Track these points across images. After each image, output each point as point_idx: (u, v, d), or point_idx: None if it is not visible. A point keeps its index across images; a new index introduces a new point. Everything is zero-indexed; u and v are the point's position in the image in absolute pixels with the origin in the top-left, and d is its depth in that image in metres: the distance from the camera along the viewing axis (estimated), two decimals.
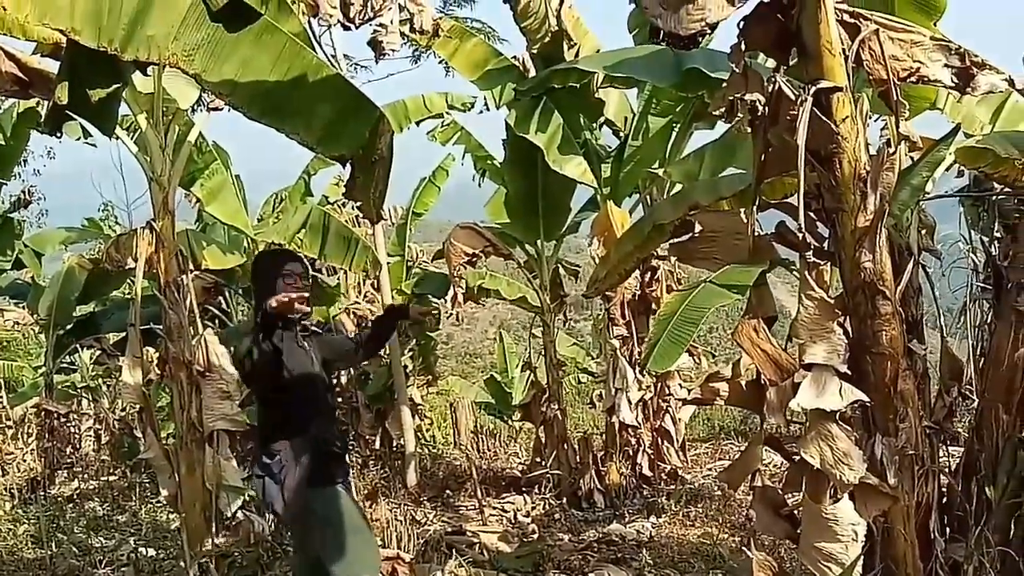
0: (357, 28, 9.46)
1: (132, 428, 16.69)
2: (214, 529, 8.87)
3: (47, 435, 16.51)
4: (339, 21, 9.21)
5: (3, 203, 19.63)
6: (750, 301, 5.00)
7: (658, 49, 8.12)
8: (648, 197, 12.35)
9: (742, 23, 4.48)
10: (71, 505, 13.73)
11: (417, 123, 14.40)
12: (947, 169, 7.30)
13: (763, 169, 4.71)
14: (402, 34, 10.27)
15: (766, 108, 4.52)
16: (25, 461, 16.24)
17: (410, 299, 15.33)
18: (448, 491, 13.06)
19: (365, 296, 16.62)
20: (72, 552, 10.77)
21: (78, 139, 12.81)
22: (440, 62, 16.34)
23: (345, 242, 13.51)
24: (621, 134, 12.31)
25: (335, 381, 15.51)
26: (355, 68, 17.91)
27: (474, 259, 12.04)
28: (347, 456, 7.02)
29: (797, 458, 4.48)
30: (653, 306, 12.01)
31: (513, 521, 11.31)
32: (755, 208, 4.92)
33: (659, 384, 12.39)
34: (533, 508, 11.88)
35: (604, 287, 9.60)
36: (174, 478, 8.90)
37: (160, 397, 15.25)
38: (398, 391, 14.26)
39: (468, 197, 16.65)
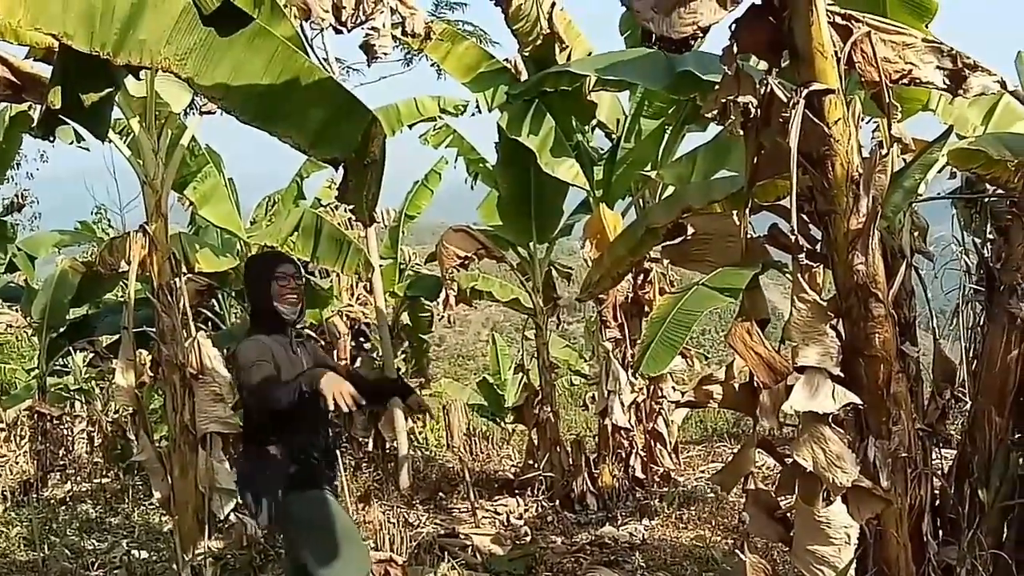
0: (349, 31, 9.44)
1: (125, 430, 16.61)
2: (207, 532, 8.84)
3: (40, 437, 16.49)
4: (331, 24, 9.19)
5: None
6: (743, 304, 5.01)
7: (650, 52, 8.14)
8: (640, 200, 12.34)
9: (734, 26, 4.48)
10: (64, 507, 13.72)
11: (410, 126, 14.41)
12: (939, 171, 7.31)
13: (755, 172, 4.71)
14: (394, 37, 10.25)
15: (758, 110, 4.52)
16: (18, 463, 16.20)
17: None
18: (441, 493, 13.06)
19: (358, 299, 16.63)
20: (65, 554, 10.76)
21: (71, 143, 12.80)
22: (432, 65, 16.36)
23: (337, 245, 13.52)
24: (613, 136, 12.31)
25: None
26: (347, 71, 17.94)
27: (467, 261, 12.06)
28: (336, 461, 6.99)
29: (790, 461, 4.48)
30: (646, 308, 12.02)
31: (506, 523, 11.30)
32: (747, 211, 4.92)
33: (652, 387, 12.38)
34: (526, 510, 11.87)
35: (597, 291, 9.60)
36: (167, 481, 8.88)
37: (153, 400, 15.22)
38: None
39: (461, 199, 16.66)
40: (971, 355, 5.59)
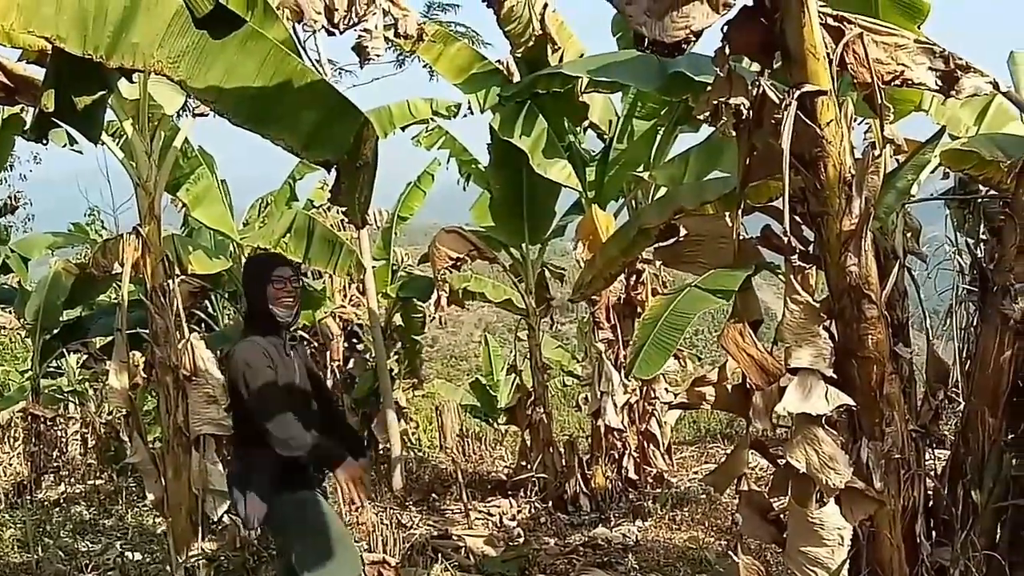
0: (341, 33, 9.44)
1: (118, 432, 16.57)
2: (200, 533, 8.86)
3: (34, 439, 16.51)
4: (323, 26, 9.20)
5: None
6: (735, 305, 5.02)
7: (642, 53, 8.14)
8: (633, 201, 12.36)
9: (726, 27, 4.47)
10: (57, 509, 13.71)
11: (402, 128, 14.41)
12: (932, 172, 7.32)
13: (748, 173, 4.71)
14: (386, 39, 10.25)
15: (750, 112, 4.52)
16: (12, 465, 16.24)
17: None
18: (434, 495, 13.07)
19: (350, 300, 16.64)
20: (58, 556, 10.76)
21: (64, 146, 12.79)
22: (424, 66, 16.30)
23: (329, 246, 13.52)
24: (606, 138, 12.32)
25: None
26: (340, 73, 17.90)
27: (459, 262, 12.09)
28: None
29: (783, 462, 4.47)
30: (638, 309, 12.02)
31: (499, 525, 11.31)
32: (740, 212, 4.91)
33: (645, 388, 12.40)
34: (519, 512, 11.88)
35: (590, 291, 9.61)
36: (160, 482, 8.89)
37: (146, 401, 15.27)
38: (384, 394, 14.28)
39: (453, 201, 16.67)
40: (964, 356, 5.58)
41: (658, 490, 12.06)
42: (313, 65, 9.30)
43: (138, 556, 10.56)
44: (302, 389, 6.55)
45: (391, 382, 15.02)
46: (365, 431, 16.04)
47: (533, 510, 11.90)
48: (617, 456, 12.24)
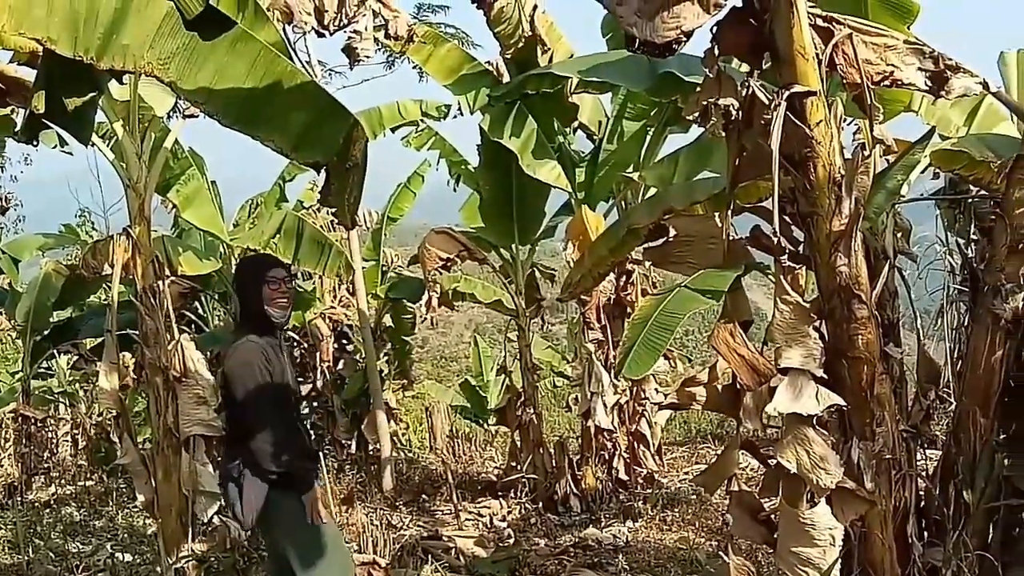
0: (331, 35, 9.45)
1: (109, 433, 16.55)
2: (190, 534, 8.84)
3: (24, 440, 16.50)
4: (313, 28, 9.19)
5: None
6: (725, 305, 4.99)
7: (632, 54, 8.14)
8: (623, 201, 12.36)
9: (715, 28, 4.47)
10: (48, 510, 13.71)
11: (392, 130, 14.39)
12: (923, 172, 7.32)
13: (737, 173, 4.71)
14: (376, 40, 10.25)
15: (740, 112, 4.52)
16: (2, 466, 16.26)
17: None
18: (424, 495, 13.08)
19: (340, 301, 16.63)
20: (49, 558, 10.75)
21: (54, 147, 12.76)
22: (414, 67, 16.34)
23: (319, 247, 13.54)
24: (595, 138, 12.34)
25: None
26: (329, 74, 17.91)
27: (449, 263, 12.08)
28: (318, 463, 7.00)
29: (774, 462, 4.47)
30: (628, 310, 12.02)
31: (489, 526, 11.31)
32: (730, 212, 4.92)
33: (635, 388, 12.41)
34: (509, 512, 11.88)
35: (578, 290, 9.63)
36: (150, 483, 8.88)
37: (137, 402, 15.22)
38: (373, 395, 14.28)
39: (443, 201, 16.66)
40: (956, 355, 5.59)
41: (648, 491, 12.06)
42: (303, 66, 9.31)
43: (128, 557, 10.55)
44: (293, 390, 6.63)
45: (381, 383, 15.01)
46: (355, 432, 16.06)
47: (523, 511, 11.90)
48: (607, 457, 12.25)
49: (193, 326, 16.14)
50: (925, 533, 4.98)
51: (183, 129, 10.29)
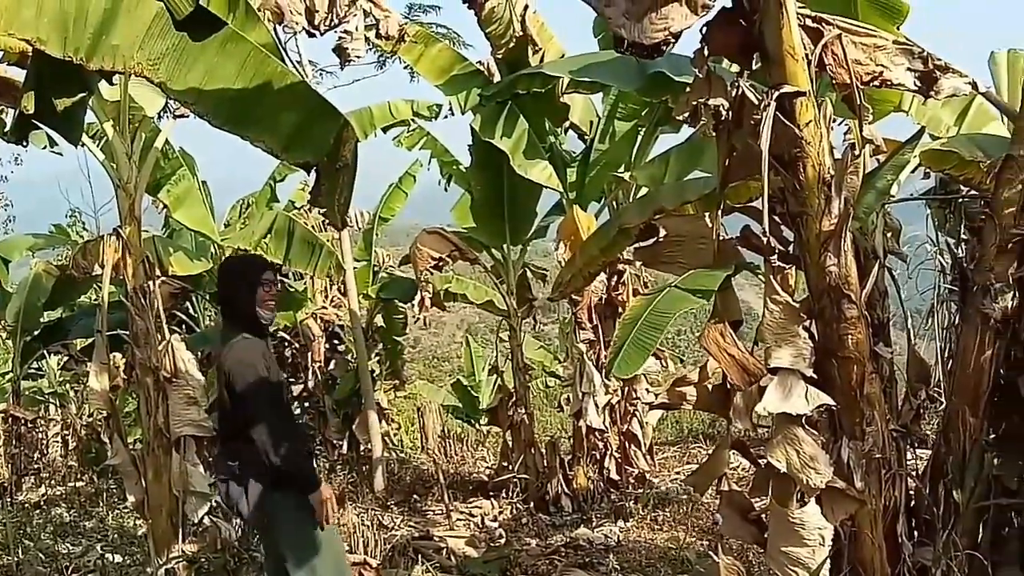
0: (322, 35, 9.43)
1: (99, 434, 16.65)
2: (181, 535, 8.83)
3: (14, 441, 16.49)
4: (304, 28, 9.19)
5: None
6: (715, 305, 5.00)
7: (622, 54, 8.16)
8: (614, 201, 12.36)
9: (705, 29, 4.47)
10: (38, 511, 13.66)
11: (383, 130, 14.38)
12: (913, 171, 7.33)
13: (727, 173, 4.71)
14: (367, 40, 10.24)
15: (730, 113, 4.53)
16: None
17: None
18: (415, 496, 13.08)
19: (332, 301, 16.64)
20: (39, 559, 10.72)
21: (44, 147, 12.74)
22: (405, 67, 16.33)
23: (309, 247, 13.54)
24: (586, 138, 12.33)
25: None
26: (320, 74, 17.90)
27: (441, 263, 12.09)
28: (312, 463, 7.02)
29: (764, 462, 4.48)
30: (620, 310, 12.02)
31: (480, 526, 11.32)
32: (720, 212, 4.93)
33: (626, 388, 12.40)
34: (500, 512, 11.89)
35: (569, 290, 9.63)
36: (141, 484, 8.86)
37: (127, 403, 15.17)
38: (365, 395, 14.28)
39: (435, 201, 16.64)
40: (947, 355, 5.59)
41: (640, 490, 12.06)
42: (294, 67, 9.31)
43: (118, 558, 10.54)
44: (283, 385, 6.67)
45: (372, 383, 15.02)
46: (347, 432, 16.07)
47: (515, 511, 11.91)
48: (599, 457, 12.26)
49: (184, 326, 16.16)
50: (915, 532, 4.98)
51: (173, 129, 10.29)
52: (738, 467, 10.66)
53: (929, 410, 5.84)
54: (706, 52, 4.55)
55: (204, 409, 8.76)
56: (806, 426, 4.29)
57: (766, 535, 4.62)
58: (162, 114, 11.19)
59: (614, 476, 12.25)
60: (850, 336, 4.43)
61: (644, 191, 11.33)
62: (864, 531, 4.55)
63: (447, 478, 13.05)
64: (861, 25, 4.64)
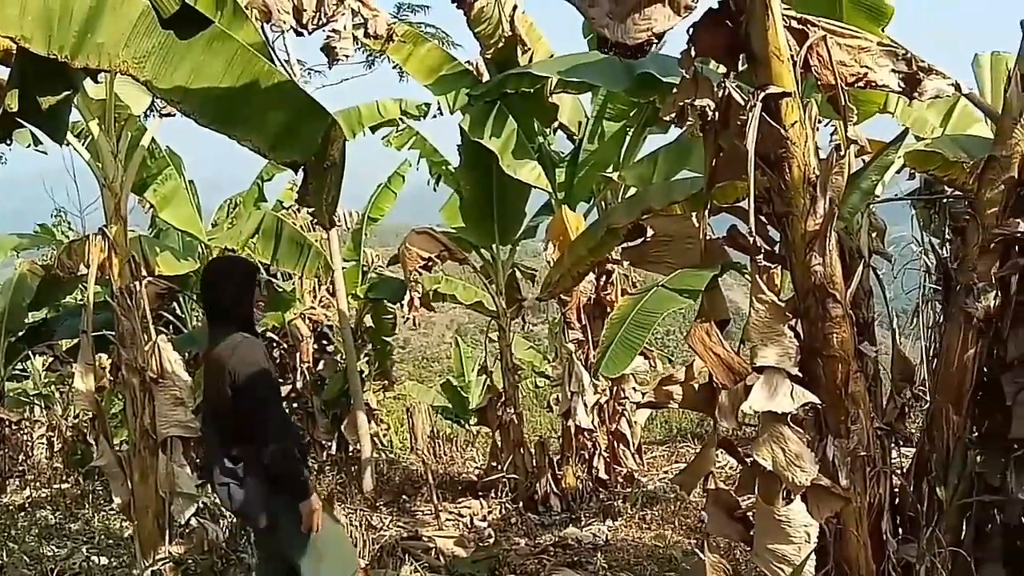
0: (310, 34, 9.45)
1: (85, 435, 16.58)
2: (167, 537, 8.84)
3: None
4: (292, 27, 9.20)
5: None
6: (702, 305, 5.03)
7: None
8: (603, 201, 12.37)
9: (691, 30, 4.51)
10: (23, 513, 13.59)
11: (372, 129, 14.38)
12: (898, 172, 7.37)
13: (714, 173, 4.74)
14: (355, 39, 10.26)
15: (716, 113, 4.56)
16: None
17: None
18: (404, 496, 13.07)
19: (320, 301, 16.63)
20: (24, 561, 10.66)
21: (28, 146, 12.72)
22: (394, 67, 16.30)
23: (297, 247, 13.55)
24: (575, 138, 12.33)
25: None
26: (308, 73, 17.89)
27: (430, 263, 12.10)
28: (306, 463, 7.02)
29: (750, 460, 4.51)
30: (608, 310, 12.03)
31: (469, 526, 11.32)
32: (707, 212, 4.96)
33: (615, 388, 12.41)
34: (489, 512, 11.90)
35: (557, 290, 9.65)
36: (127, 485, 8.86)
37: (113, 404, 15.15)
38: (354, 396, 14.26)
39: (424, 201, 16.65)
40: (931, 354, 5.63)
41: (628, 490, 12.06)
42: (281, 65, 9.33)
43: (104, 560, 10.49)
44: (276, 385, 6.64)
45: (361, 383, 15.02)
46: (335, 432, 16.07)
47: (504, 511, 11.91)
48: (587, 456, 12.27)
49: (170, 327, 16.12)
50: (899, 530, 5.02)
51: (160, 128, 10.26)
52: (725, 465, 10.66)
53: (913, 408, 5.86)
54: (693, 53, 4.58)
55: (191, 410, 8.77)
56: (792, 424, 4.33)
57: (752, 533, 4.65)
58: (148, 113, 11.17)
59: (603, 475, 12.25)
60: (835, 335, 4.47)
61: (632, 191, 11.35)
62: (849, 528, 4.59)
63: (436, 478, 13.05)
64: (846, 27, 4.68)
